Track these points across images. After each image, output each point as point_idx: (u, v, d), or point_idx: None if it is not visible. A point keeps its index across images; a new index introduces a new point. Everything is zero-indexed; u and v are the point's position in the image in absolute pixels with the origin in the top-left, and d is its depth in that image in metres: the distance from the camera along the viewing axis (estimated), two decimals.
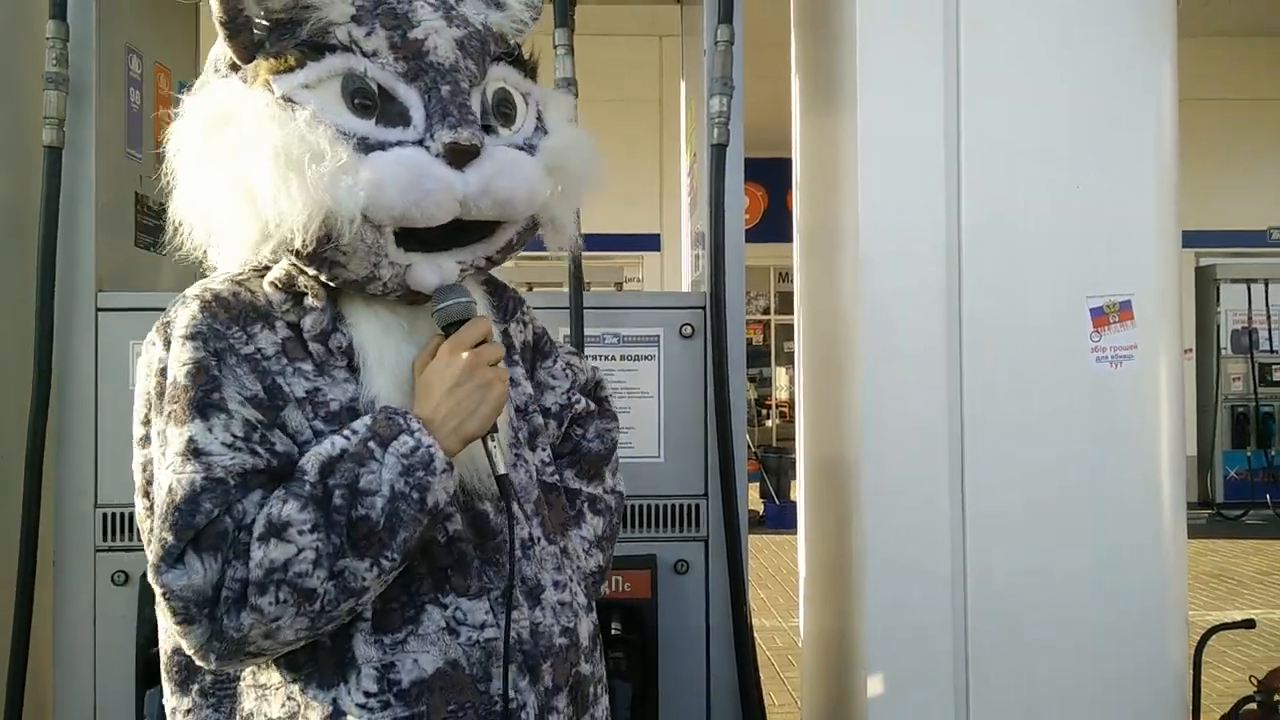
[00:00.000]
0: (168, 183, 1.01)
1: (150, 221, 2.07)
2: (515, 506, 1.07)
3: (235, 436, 0.94)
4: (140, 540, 0.99)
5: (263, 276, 1.04)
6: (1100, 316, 1.91)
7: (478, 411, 1.00)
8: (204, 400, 0.95)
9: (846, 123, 1.90)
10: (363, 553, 0.93)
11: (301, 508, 0.91)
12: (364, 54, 0.97)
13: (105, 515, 1.77)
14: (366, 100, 0.97)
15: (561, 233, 1.11)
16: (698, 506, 1.85)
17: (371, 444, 0.94)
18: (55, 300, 1.78)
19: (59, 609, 1.78)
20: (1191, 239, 9.08)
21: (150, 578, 0.92)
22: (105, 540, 1.77)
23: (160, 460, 0.95)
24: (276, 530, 0.90)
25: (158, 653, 1.70)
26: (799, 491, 2.58)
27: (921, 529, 1.84)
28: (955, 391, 1.84)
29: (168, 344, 0.99)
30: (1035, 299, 1.87)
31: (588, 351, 1.83)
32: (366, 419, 0.97)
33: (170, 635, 1.04)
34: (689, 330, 1.88)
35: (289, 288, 1.02)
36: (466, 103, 0.99)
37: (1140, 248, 1.90)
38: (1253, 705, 2.05)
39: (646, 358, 1.88)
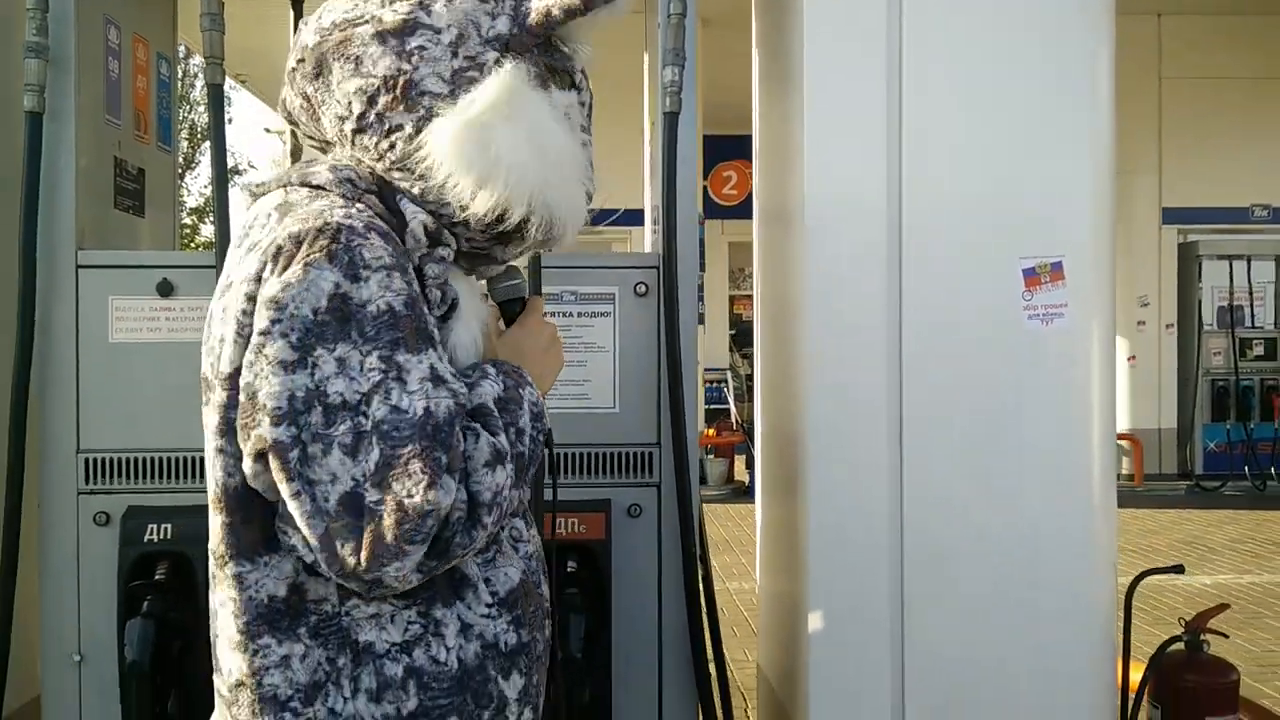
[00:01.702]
0: (421, 114, 1.07)
1: (129, 185, 2.16)
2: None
3: (448, 367, 1.05)
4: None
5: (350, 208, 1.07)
6: (1032, 277, 2.01)
7: (553, 373, 1.21)
8: (427, 330, 1.02)
9: (795, 98, 1.99)
10: (519, 484, 1.07)
11: (506, 441, 1.04)
12: (580, 101, 1.19)
13: (87, 460, 1.88)
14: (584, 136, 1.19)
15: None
16: (650, 454, 1.96)
17: (520, 391, 1.10)
18: (37, 258, 1.87)
19: (44, 548, 1.89)
20: (1174, 215, 9.23)
21: (409, 496, 0.95)
22: (87, 484, 1.88)
23: (383, 385, 0.97)
24: (500, 458, 1.02)
25: (138, 586, 1.83)
26: (757, 461, 2.69)
27: (860, 495, 1.94)
28: (895, 357, 1.94)
29: (353, 275, 0.99)
30: (972, 262, 1.96)
31: (548, 307, 1.93)
32: (490, 368, 1.11)
33: (268, 584, 1.04)
34: (643, 289, 1.98)
35: (434, 236, 1.11)
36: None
37: (1072, 211, 2.00)
38: (1180, 645, 2.16)
39: (603, 314, 1.98)
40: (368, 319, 0.99)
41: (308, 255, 0.99)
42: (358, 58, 1.08)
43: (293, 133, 1.32)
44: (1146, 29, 8.65)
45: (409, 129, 1.07)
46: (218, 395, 1.04)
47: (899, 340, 1.95)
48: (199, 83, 15.92)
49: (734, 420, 9.67)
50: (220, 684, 1.07)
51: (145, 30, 2.27)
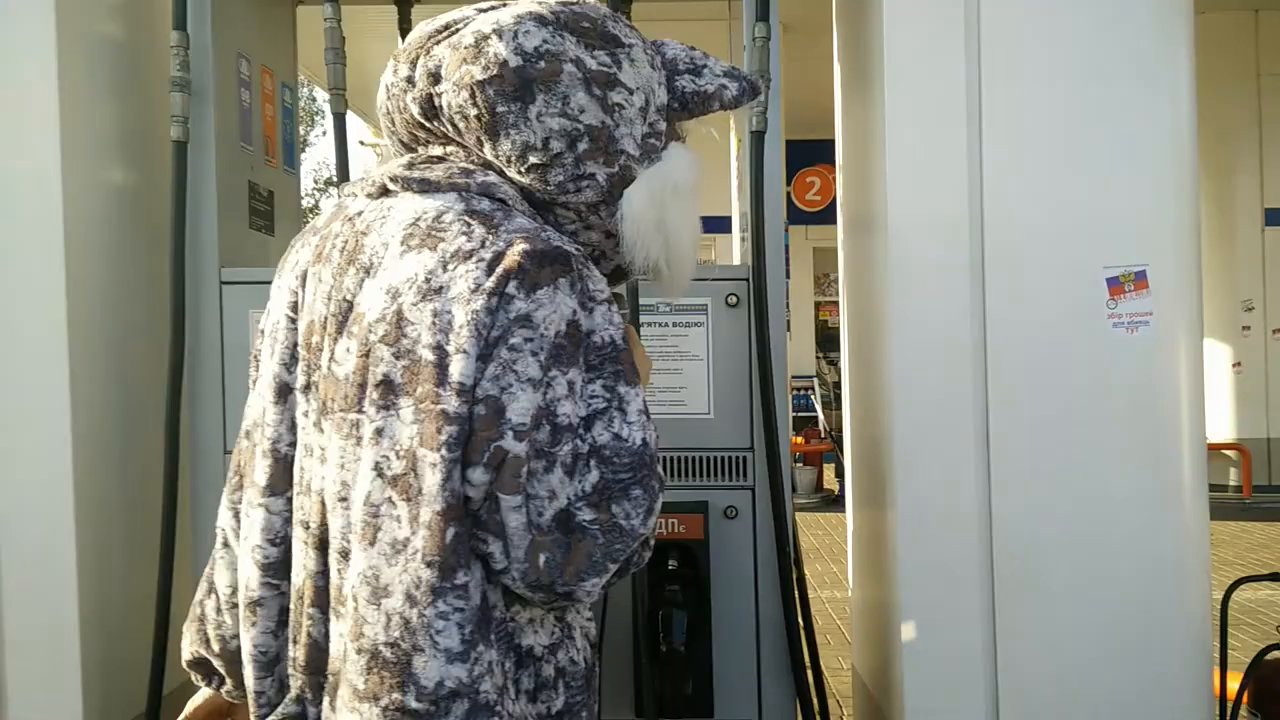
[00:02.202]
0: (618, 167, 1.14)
1: (261, 206, 2.34)
2: None
3: None
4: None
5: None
6: (1116, 285, 2.03)
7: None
8: (634, 365, 1.09)
9: (877, 106, 2.06)
10: None
11: None
12: None
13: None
14: None
15: None
16: (744, 459, 2.04)
17: None
18: (186, 276, 2.06)
19: (195, 540, 2.07)
20: (1277, 216, 8.88)
21: (626, 518, 1.03)
22: None
23: (607, 413, 1.05)
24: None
25: None
26: (847, 468, 2.75)
27: (948, 501, 1.99)
28: (980, 363, 1.98)
29: (584, 304, 1.05)
30: (1055, 268, 1.99)
31: (643, 319, 2.04)
32: None
33: (475, 593, 1.02)
34: (734, 300, 2.06)
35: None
36: None
37: (1157, 221, 2.01)
38: (1278, 653, 2.15)
39: (696, 324, 2.07)
40: (592, 348, 1.05)
41: (551, 278, 1.03)
42: (565, 97, 1.09)
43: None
44: (1244, 25, 8.37)
45: (601, 180, 1.13)
46: (451, 405, 1.00)
47: (984, 345, 1.99)
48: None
49: (822, 428, 9.65)
50: (410, 699, 0.99)
51: (271, 61, 2.45)
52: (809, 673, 2.05)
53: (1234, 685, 2.24)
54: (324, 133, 22.49)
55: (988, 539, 1.99)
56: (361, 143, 11.68)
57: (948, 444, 1.99)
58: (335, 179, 2.28)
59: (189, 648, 1.26)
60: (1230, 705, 2.17)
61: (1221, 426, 8.71)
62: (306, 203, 18.98)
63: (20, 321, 1.99)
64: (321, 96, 18.70)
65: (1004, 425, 1.98)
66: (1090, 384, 1.98)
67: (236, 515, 1.21)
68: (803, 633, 2.05)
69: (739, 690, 2.01)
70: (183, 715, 1.29)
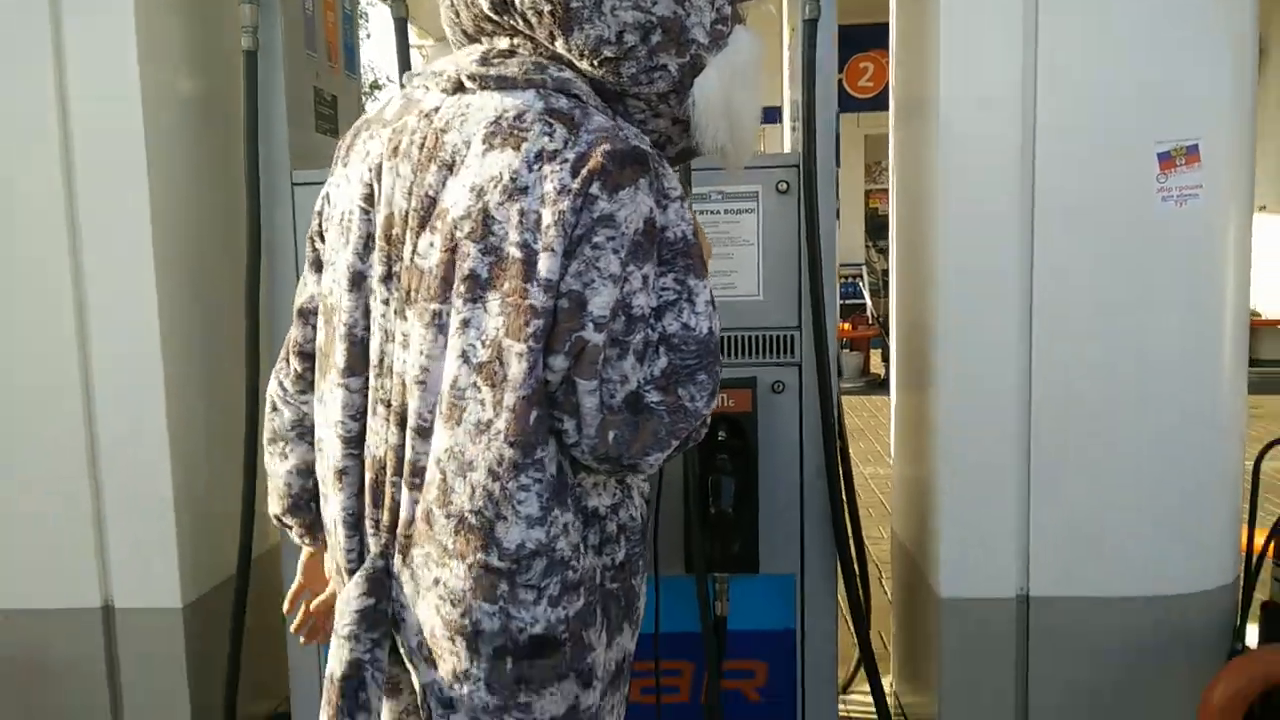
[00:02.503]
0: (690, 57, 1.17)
1: (326, 110, 2.46)
2: None
3: None
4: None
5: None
6: (1167, 160, 2.07)
7: None
8: (703, 259, 1.15)
9: None
10: None
11: None
12: None
13: None
14: None
15: None
16: (792, 337, 2.16)
17: None
18: (260, 180, 2.20)
19: None
20: None
21: (691, 401, 1.11)
22: None
23: (676, 305, 1.12)
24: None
25: None
26: (892, 351, 2.85)
27: (990, 370, 2.09)
28: (1026, 244, 2.05)
29: (660, 202, 1.11)
30: (1105, 146, 2.03)
31: (696, 207, 2.14)
32: None
33: (551, 464, 1.12)
34: (784, 186, 2.15)
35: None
36: None
37: (1212, 95, 2.03)
38: None
39: (748, 211, 2.17)
40: (665, 244, 1.11)
41: (632, 178, 1.08)
42: None
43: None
44: None
45: (673, 70, 1.16)
46: (539, 300, 1.07)
47: (1030, 222, 2.05)
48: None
49: (869, 314, 9.69)
50: (494, 558, 1.12)
51: None
52: (849, 533, 2.20)
53: (1261, 544, 2.35)
54: (368, 35, 22.41)
55: (1026, 413, 2.09)
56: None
57: (992, 320, 2.08)
58: (400, 83, 2.38)
59: (274, 506, 1.41)
60: (1255, 559, 2.29)
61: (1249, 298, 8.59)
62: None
63: (111, 226, 2.16)
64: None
65: (1047, 295, 2.06)
66: (1136, 255, 2.04)
67: (288, 386, 1.34)
68: (844, 495, 2.19)
69: (783, 549, 2.18)
70: (300, 561, 1.48)
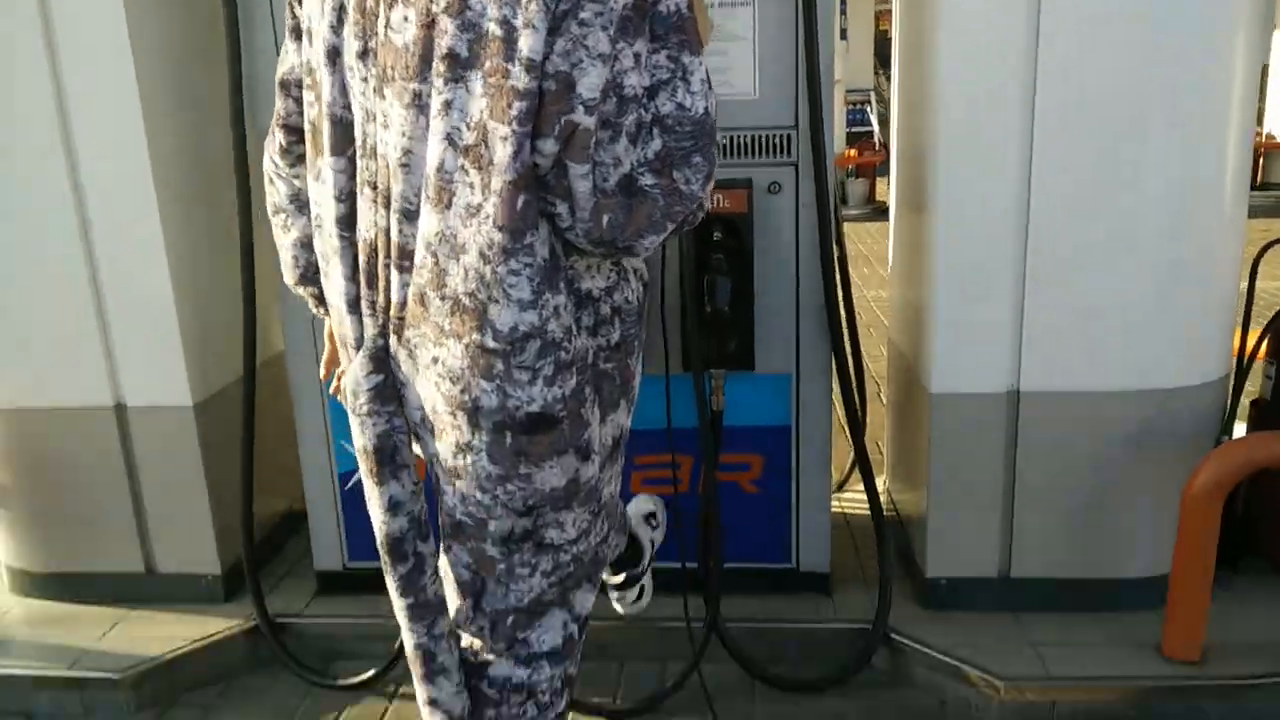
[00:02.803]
0: None
1: None
2: None
3: None
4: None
5: None
6: None
7: None
8: (699, 34, 1.11)
9: None
10: None
11: None
12: None
13: None
14: None
15: None
16: (789, 136, 2.12)
17: None
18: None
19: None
20: None
21: (686, 184, 1.10)
22: None
23: (670, 84, 1.09)
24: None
25: None
26: (891, 176, 2.80)
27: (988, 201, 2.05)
28: (1030, 63, 1.97)
29: None
30: None
31: None
32: None
33: (543, 248, 1.12)
34: None
35: None
36: None
37: None
38: None
39: (743, 4, 2.08)
40: (658, 18, 1.07)
41: None
42: None
43: None
44: None
45: None
46: (521, 81, 1.03)
47: (1035, 47, 1.97)
48: None
49: (876, 141, 9.51)
50: (489, 339, 1.13)
51: None
52: (844, 334, 2.22)
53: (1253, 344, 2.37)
54: None
55: (1025, 208, 2.06)
56: None
57: (991, 143, 2.04)
58: None
59: (287, 276, 1.44)
60: (1246, 357, 2.31)
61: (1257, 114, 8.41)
62: None
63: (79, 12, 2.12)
64: None
65: (1050, 115, 2.00)
66: (1137, 70, 1.97)
67: (278, 160, 1.34)
68: (839, 297, 2.19)
69: (779, 350, 2.21)
70: (325, 331, 1.52)
